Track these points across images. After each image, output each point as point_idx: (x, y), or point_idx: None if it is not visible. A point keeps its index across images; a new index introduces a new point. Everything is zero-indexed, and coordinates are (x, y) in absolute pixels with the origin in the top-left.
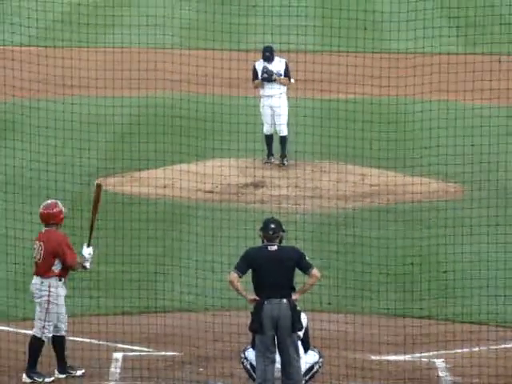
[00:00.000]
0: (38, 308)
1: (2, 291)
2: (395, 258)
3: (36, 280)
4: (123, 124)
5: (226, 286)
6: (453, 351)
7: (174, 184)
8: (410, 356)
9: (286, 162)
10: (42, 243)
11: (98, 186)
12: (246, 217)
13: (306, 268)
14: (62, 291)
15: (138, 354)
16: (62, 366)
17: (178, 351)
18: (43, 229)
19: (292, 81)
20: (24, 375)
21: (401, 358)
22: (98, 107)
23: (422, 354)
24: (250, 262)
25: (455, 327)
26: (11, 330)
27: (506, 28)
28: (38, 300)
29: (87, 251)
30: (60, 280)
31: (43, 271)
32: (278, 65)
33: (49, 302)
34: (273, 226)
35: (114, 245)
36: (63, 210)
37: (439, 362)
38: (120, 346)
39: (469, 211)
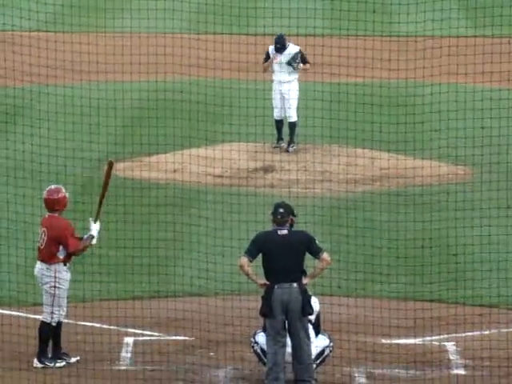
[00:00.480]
0: (44, 294)
1: (13, 276)
2: (405, 242)
3: (41, 266)
4: (133, 109)
5: (236, 271)
6: (463, 334)
7: (183, 168)
8: (420, 339)
9: (291, 149)
10: (45, 229)
11: (110, 163)
12: (255, 201)
13: (316, 252)
14: (67, 275)
15: (148, 338)
16: (56, 352)
17: (188, 335)
18: (46, 214)
19: (307, 66)
20: (35, 360)
21: (411, 341)
22: (108, 92)
23: (433, 338)
24: (260, 246)
25: (465, 310)
26: (22, 315)
27: None
28: (44, 286)
29: (94, 227)
30: (65, 265)
31: (47, 257)
32: (290, 49)
33: (55, 287)
34: (281, 210)
35: (125, 229)
36: (67, 195)
37: (450, 345)
38: (131, 330)
39: (478, 194)
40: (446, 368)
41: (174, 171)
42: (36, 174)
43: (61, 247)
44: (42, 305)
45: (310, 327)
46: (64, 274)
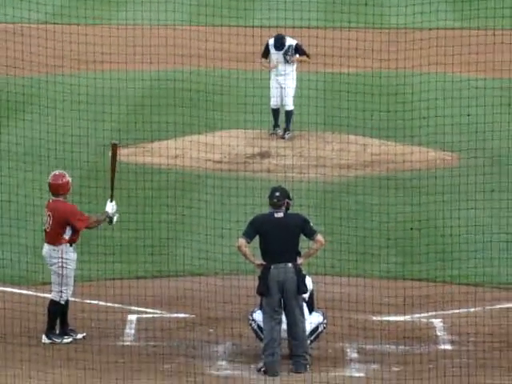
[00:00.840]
0: (52, 274)
1: (23, 256)
2: (395, 224)
3: (48, 247)
4: (136, 97)
5: (234, 251)
6: (450, 312)
7: (184, 154)
8: (409, 316)
9: (286, 136)
10: (50, 213)
11: (113, 146)
12: (253, 185)
13: (310, 234)
14: (73, 255)
15: (151, 316)
16: (64, 329)
17: (189, 313)
18: (51, 198)
19: (305, 57)
20: (43, 336)
21: (401, 318)
22: (112, 81)
23: (421, 315)
24: (257, 227)
25: (452, 289)
26: (31, 293)
27: (499, 2)
28: (52, 267)
29: (110, 206)
30: (70, 246)
31: (53, 240)
32: (289, 43)
33: (62, 267)
34: (277, 193)
35: (128, 212)
36: (70, 180)
37: (437, 322)
38: (134, 308)
39: (465, 178)
40: (433, 344)
41: (176, 157)
42: (44, 160)
43: (67, 229)
44: (50, 284)
45: (304, 305)
46: (70, 254)
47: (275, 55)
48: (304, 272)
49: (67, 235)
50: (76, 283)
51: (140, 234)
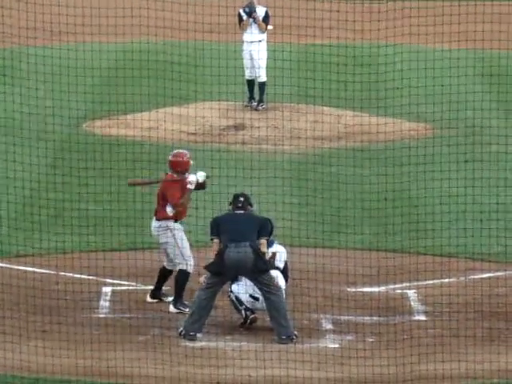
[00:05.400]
0: (169, 249)
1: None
2: (369, 195)
3: (155, 223)
4: (109, 69)
5: (207, 223)
6: (424, 282)
7: (158, 126)
8: (383, 287)
9: (260, 108)
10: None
11: (130, 185)
12: (227, 157)
13: (260, 233)
14: (180, 227)
15: (126, 288)
16: (156, 293)
17: (164, 285)
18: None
19: (270, 27)
20: (171, 306)
21: (375, 289)
22: (85, 53)
23: (395, 286)
24: (217, 221)
25: (426, 259)
26: (6, 265)
27: None
28: (165, 245)
29: (189, 184)
30: (176, 222)
31: (158, 214)
32: (258, 11)
33: (174, 238)
34: (241, 199)
35: (103, 184)
36: (190, 162)
37: (411, 293)
38: (109, 280)
39: (439, 149)
40: (407, 314)
41: (150, 129)
42: (17, 132)
43: (167, 204)
44: (25, 256)
45: (280, 276)
46: (177, 225)
47: (247, 31)
48: (276, 241)
49: (170, 210)
50: (50, 255)
51: (114, 206)
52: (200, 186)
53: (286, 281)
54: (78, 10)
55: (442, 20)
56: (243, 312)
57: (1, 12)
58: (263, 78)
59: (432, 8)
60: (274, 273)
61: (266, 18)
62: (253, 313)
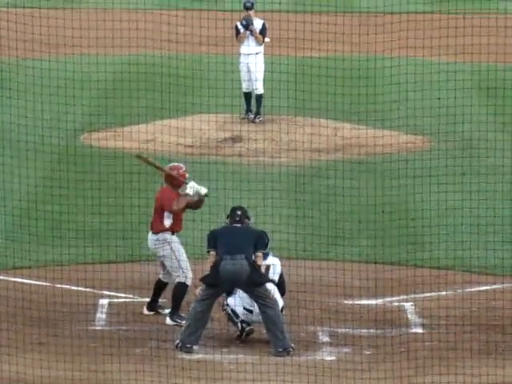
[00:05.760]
0: (167, 261)
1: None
2: (367, 207)
3: (151, 236)
4: (107, 81)
5: (205, 236)
6: (421, 295)
7: (155, 139)
8: (380, 300)
9: (257, 120)
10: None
11: (138, 157)
12: (224, 169)
13: (256, 247)
14: (176, 239)
15: (122, 300)
16: (152, 305)
17: (161, 297)
18: (160, 187)
19: (267, 39)
20: (167, 319)
21: (372, 302)
22: (83, 65)
23: (393, 298)
24: (214, 234)
25: (423, 272)
26: (2, 278)
27: None
28: (162, 258)
29: (188, 188)
30: (173, 234)
31: (155, 227)
32: (256, 24)
33: (172, 251)
34: (239, 212)
35: (100, 196)
36: (187, 175)
37: (408, 306)
38: (106, 293)
39: (436, 162)
40: (404, 327)
41: (147, 141)
42: (15, 144)
43: (165, 214)
44: (21, 269)
45: (276, 289)
46: (174, 238)
47: (244, 43)
48: (271, 253)
49: (167, 221)
50: (47, 267)
51: (111, 219)
52: (197, 204)
53: (283, 294)
54: (75, 23)
55: (438, 33)
56: (239, 324)
57: None
58: (260, 90)
59: (429, 21)
60: (270, 286)
61: (263, 31)
62: (249, 325)
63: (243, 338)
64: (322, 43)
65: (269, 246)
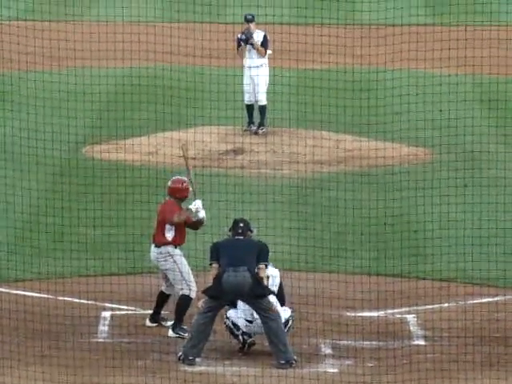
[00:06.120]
0: (170, 274)
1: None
2: (369, 219)
3: (154, 249)
4: (109, 94)
5: (207, 248)
6: (423, 307)
7: (157, 151)
8: (383, 312)
9: (260, 131)
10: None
11: (182, 147)
12: (226, 181)
13: (259, 259)
14: (179, 252)
15: (125, 312)
16: (155, 317)
17: (163, 310)
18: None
19: (269, 51)
20: (170, 331)
21: (374, 314)
22: (85, 78)
23: (395, 310)
24: (217, 246)
25: (425, 284)
26: (3, 290)
27: None
28: (165, 271)
29: (193, 205)
30: (175, 247)
31: (157, 240)
32: (256, 36)
33: (176, 263)
34: (241, 224)
35: (102, 209)
36: (190, 189)
37: (411, 318)
38: (108, 305)
39: (438, 174)
40: (407, 339)
41: (149, 153)
42: (17, 156)
43: (166, 227)
44: (23, 281)
45: (275, 300)
46: (177, 251)
47: (247, 52)
48: (270, 264)
49: (169, 233)
50: (50, 280)
51: (113, 231)
52: (196, 224)
53: (283, 304)
54: (77, 35)
55: (439, 45)
56: (240, 337)
57: (0, 37)
58: (264, 101)
59: (430, 33)
60: (273, 298)
61: (264, 43)
62: (250, 336)
63: (245, 350)
64: (323, 55)
65: (268, 257)
